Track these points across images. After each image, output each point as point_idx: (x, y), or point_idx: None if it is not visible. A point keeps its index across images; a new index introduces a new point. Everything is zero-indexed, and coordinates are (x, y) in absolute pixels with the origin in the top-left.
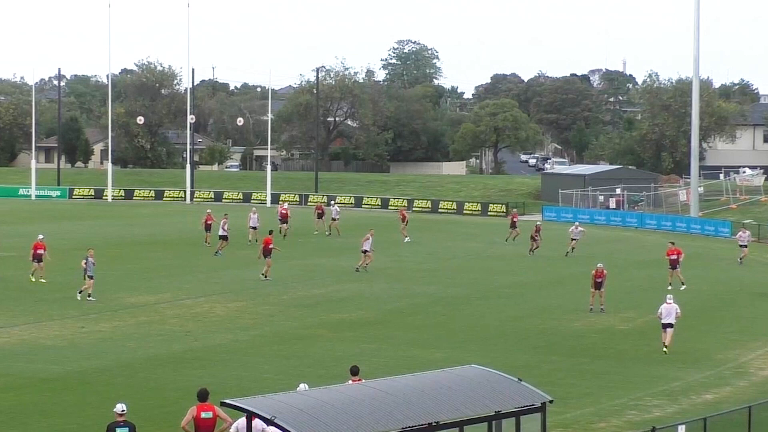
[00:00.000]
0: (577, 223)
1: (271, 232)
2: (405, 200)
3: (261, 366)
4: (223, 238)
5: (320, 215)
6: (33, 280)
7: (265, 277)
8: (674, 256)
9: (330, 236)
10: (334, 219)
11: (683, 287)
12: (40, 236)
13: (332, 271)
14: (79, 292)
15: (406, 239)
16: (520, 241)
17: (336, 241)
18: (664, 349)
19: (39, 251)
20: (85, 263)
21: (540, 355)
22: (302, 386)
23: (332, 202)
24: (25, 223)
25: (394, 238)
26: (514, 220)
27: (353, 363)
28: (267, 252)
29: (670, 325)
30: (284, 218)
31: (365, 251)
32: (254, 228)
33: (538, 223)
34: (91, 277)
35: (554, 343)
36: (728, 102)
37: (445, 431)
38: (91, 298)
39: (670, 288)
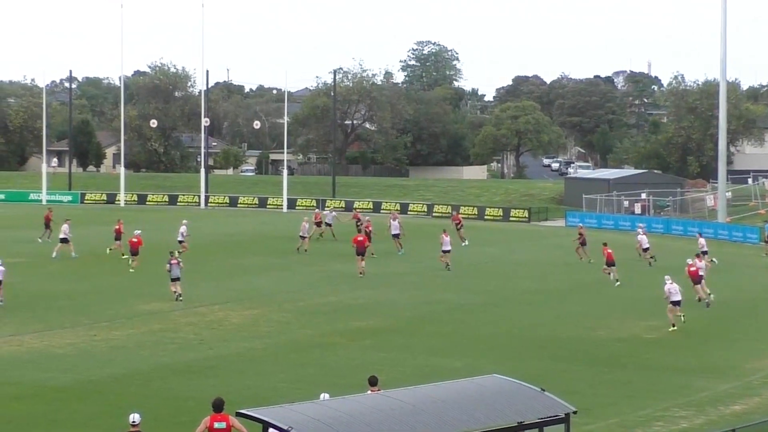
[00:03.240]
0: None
1: (360, 231)
2: (425, 205)
3: (277, 375)
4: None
5: (318, 224)
6: (132, 270)
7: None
8: (693, 268)
9: (320, 240)
10: (329, 224)
11: (711, 297)
12: (138, 231)
13: (350, 277)
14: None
15: (464, 243)
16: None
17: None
18: (673, 327)
19: (136, 246)
20: (169, 266)
21: (562, 364)
22: (324, 395)
23: (326, 207)
24: (35, 229)
25: (415, 245)
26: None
27: (371, 372)
28: (361, 251)
29: (679, 302)
30: (319, 223)
31: (446, 251)
32: (303, 237)
33: (580, 226)
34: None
35: (577, 351)
36: (756, 104)
37: None
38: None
39: (699, 300)
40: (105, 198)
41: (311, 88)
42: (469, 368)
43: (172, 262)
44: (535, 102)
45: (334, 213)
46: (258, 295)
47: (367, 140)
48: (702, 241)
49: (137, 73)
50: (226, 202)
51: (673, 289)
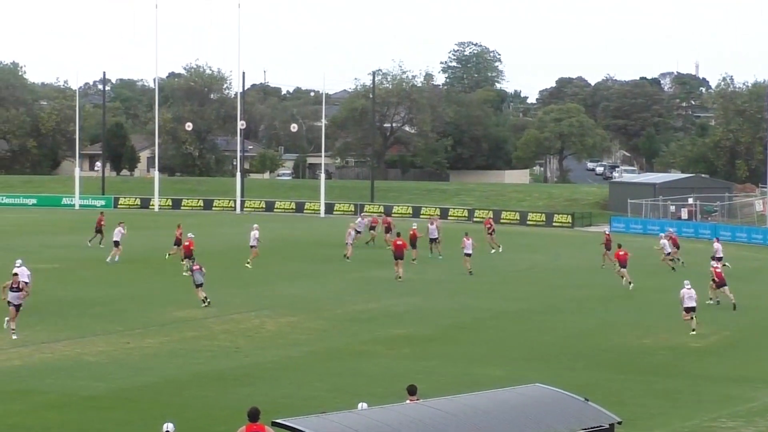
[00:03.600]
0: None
1: (399, 235)
2: (465, 210)
3: (313, 384)
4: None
5: (372, 227)
6: (186, 274)
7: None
8: (719, 270)
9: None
10: (358, 232)
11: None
12: (190, 235)
13: (388, 284)
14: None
15: (493, 251)
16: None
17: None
18: (693, 332)
19: (189, 248)
20: (191, 273)
21: (607, 374)
22: (362, 405)
23: (364, 213)
24: (68, 234)
25: (455, 251)
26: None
27: (411, 381)
28: (399, 255)
29: (693, 309)
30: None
31: (468, 254)
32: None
33: (606, 231)
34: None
35: (622, 360)
36: None
37: None
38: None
39: (710, 302)
40: (139, 203)
41: (350, 90)
42: (510, 377)
43: (194, 268)
44: (579, 104)
45: (365, 221)
46: (294, 302)
47: (406, 143)
48: (717, 246)
49: (172, 74)
50: (262, 207)
51: (687, 294)
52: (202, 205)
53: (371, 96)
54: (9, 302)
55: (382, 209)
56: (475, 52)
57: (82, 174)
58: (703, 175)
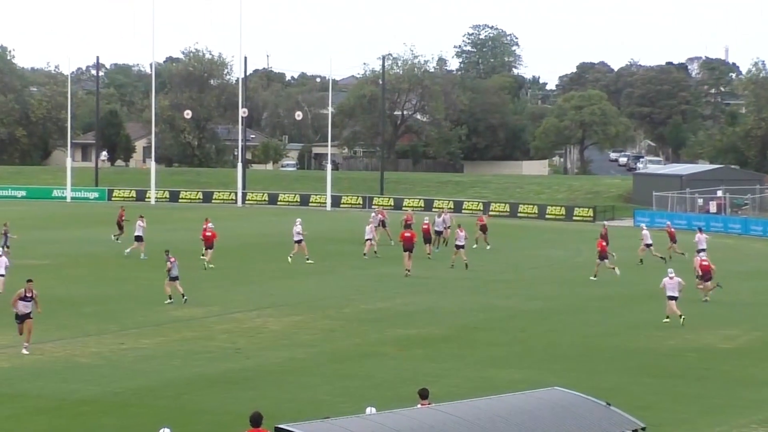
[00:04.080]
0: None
1: (409, 226)
2: (480, 203)
3: (320, 387)
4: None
5: (383, 224)
6: (206, 267)
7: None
8: (706, 262)
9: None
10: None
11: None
12: (210, 225)
13: (399, 282)
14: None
15: (475, 246)
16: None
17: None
18: (666, 319)
19: (211, 239)
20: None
21: (630, 377)
22: (370, 409)
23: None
24: (59, 228)
25: (469, 246)
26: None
27: (422, 384)
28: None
29: (675, 298)
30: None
31: (459, 246)
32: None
33: (605, 224)
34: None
35: (646, 362)
36: None
37: None
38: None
39: (705, 300)
40: (134, 195)
41: (358, 76)
42: (528, 380)
43: (171, 260)
44: (601, 91)
45: (379, 216)
46: (299, 300)
47: (418, 132)
48: (700, 236)
49: (169, 59)
50: (264, 200)
51: (670, 284)
52: (201, 197)
53: (381, 82)
54: (17, 315)
55: (392, 202)
56: (491, 35)
57: (74, 164)
58: (732, 166)
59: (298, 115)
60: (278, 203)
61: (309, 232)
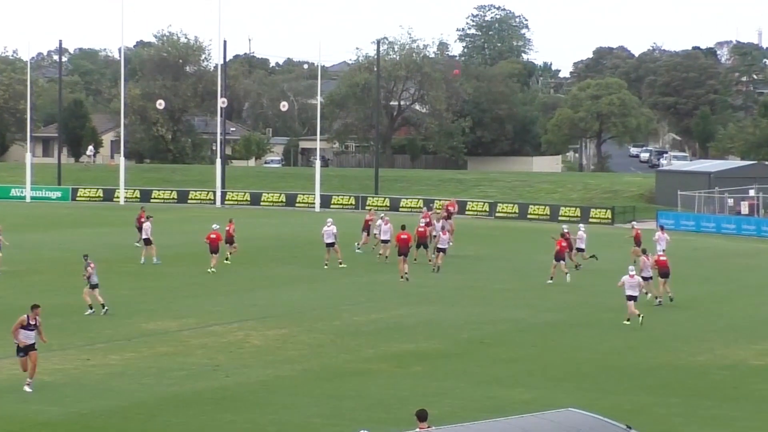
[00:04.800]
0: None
1: (403, 228)
2: (486, 203)
3: (308, 408)
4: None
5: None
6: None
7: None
8: (663, 258)
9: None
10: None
11: (657, 300)
12: (215, 226)
13: (395, 291)
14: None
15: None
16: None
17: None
18: (626, 321)
19: (216, 242)
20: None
21: (653, 397)
22: None
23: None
24: (18, 231)
25: (473, 251)
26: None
27: (421, 405)
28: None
29: (635, 298)
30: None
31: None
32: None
33: (564, 228)
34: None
35: (671, 381)
36: None
37: None
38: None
39: (658, 301)
40: (101, 195)
41: (350, 63)
42: (540, 401)
43: (91, 266)
44: (620, 79)
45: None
46: (285, 312)
47: (416, 125)
48: (660, 235)
49: (140, 44)
50: (246, 200)
51: (630, 282)
52: (176, 197)
53: (375, 69)
54: (18, 348)
55: (387, 202)
56: (498, 17)
57: (35, 160)
58: (766, 163)
59: (284, 106)
60: (261, 203)
61: (296, 236)
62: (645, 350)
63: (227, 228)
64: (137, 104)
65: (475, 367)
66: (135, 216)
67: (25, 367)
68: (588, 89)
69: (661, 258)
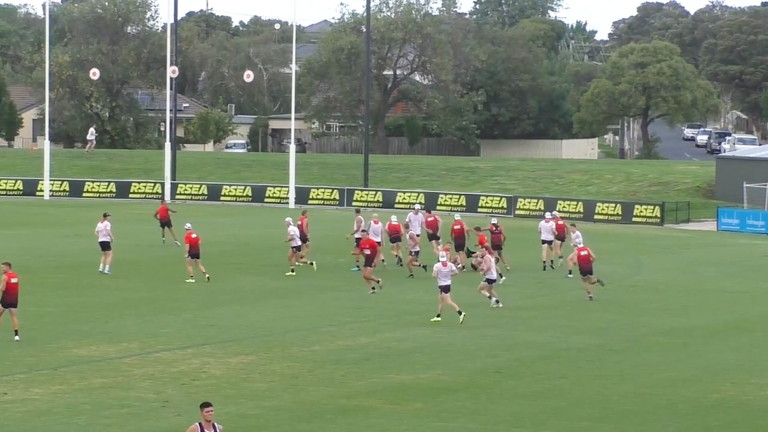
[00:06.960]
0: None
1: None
2: (503, 198)
3: None
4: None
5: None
6: (190, 281)
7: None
8: (585, 252)
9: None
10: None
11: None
12: (188, 225)
13: (389, 308)
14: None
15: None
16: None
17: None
18: (436, 318)
19: (195, 245)
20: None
21: None
22: None
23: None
24: None
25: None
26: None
27: None
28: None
29: (448, 288)
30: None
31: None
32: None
33: (493, 220)
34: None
35: (736, 420)
36: None
37: None
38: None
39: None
40: (21, 187)
41: (333, 22)
42: None
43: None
44: (671, 43)
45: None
46: (251, 334)
47: (416, 100)
48: (577, 232)
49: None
50: (203, 194)
51: (443, 271)
52: (114, 190)
53: (364, 30)
54: None
55: (380, 197)
56: None
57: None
58: None
59: (249, 76)
60: (222, 198)
61: (265, 239)
62: (701, 383)
63: (299, 222)
64: (66, 74)
65: (488, 404)
66: (155, 210)
67: None
68: (631, 55)
69: (582, 253)
